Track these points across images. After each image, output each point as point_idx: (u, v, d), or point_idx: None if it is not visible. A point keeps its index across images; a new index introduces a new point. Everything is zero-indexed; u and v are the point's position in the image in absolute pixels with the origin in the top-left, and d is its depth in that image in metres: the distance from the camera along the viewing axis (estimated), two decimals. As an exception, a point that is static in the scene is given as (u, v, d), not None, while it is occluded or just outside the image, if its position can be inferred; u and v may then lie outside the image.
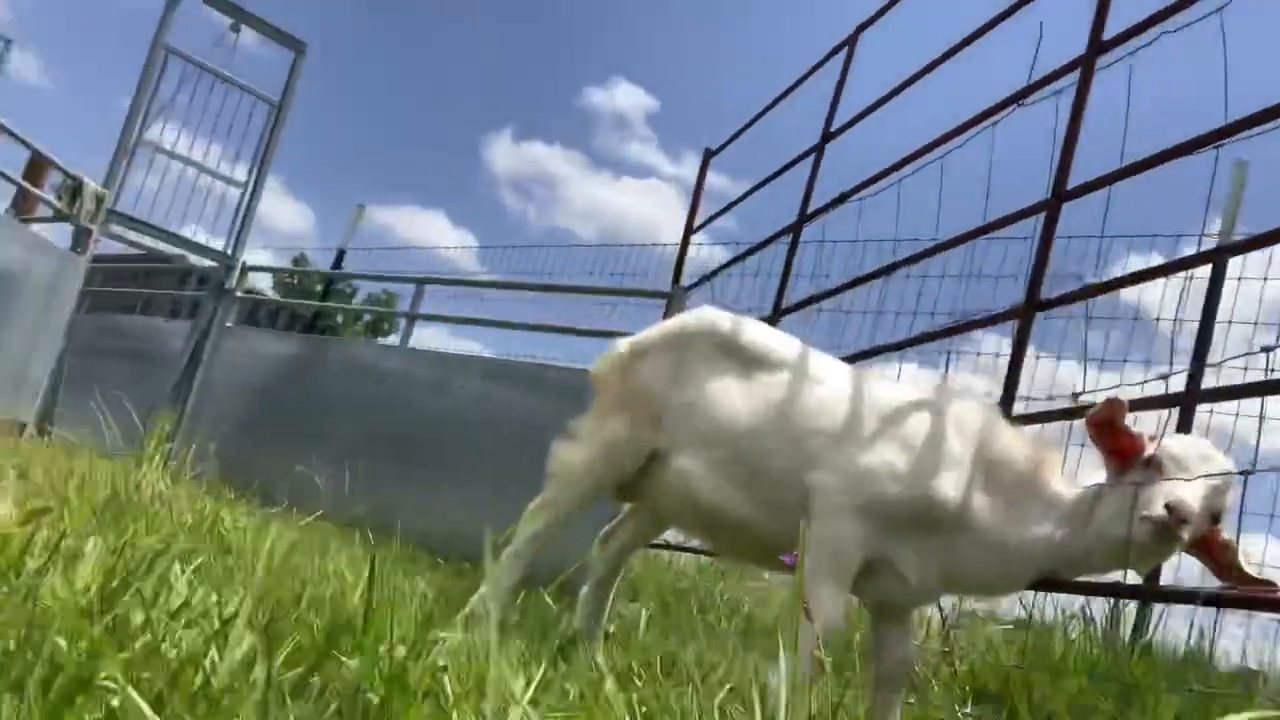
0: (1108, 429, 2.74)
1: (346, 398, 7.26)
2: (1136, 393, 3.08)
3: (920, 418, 2.95)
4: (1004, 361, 3.83)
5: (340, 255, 10.86)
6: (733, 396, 3.25)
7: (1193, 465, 2.61)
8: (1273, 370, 4.68)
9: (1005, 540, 2.80)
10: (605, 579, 3.79)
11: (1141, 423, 2.81)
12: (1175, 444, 2.69)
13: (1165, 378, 2.72)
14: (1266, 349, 2.60)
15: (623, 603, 5.27)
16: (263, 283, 22.50)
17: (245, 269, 8.45)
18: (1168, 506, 2.51)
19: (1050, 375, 5.24)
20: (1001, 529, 2.81)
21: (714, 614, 5.85)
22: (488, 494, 5.98)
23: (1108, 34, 3.26)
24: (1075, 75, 3.32)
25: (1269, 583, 2.62)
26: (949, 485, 2.80)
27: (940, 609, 3.75)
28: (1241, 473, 2.59)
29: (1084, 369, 3.44)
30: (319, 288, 13.82)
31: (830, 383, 3.18)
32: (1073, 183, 3.21)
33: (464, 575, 5.27)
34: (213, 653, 1.25)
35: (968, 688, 3.56)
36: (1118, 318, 5.57)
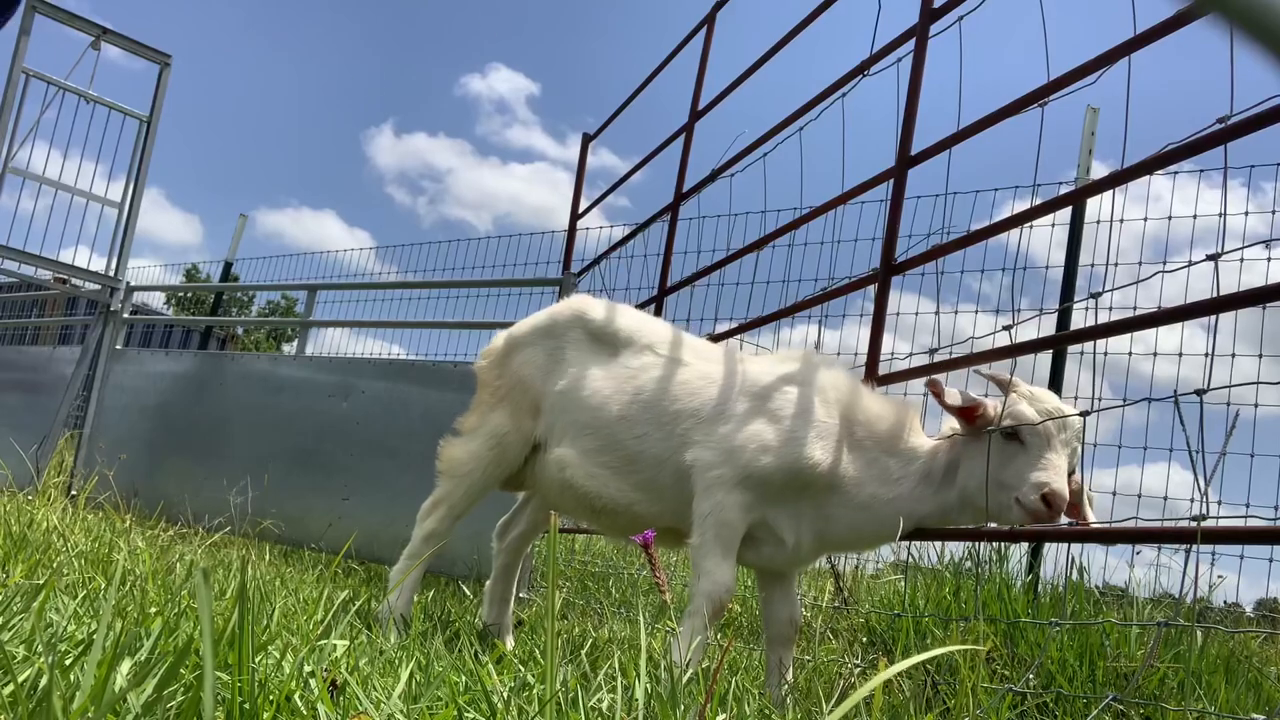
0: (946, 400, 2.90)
1: (246, 410, 7.18)
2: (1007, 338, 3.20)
3: (788, 389, 3.06)
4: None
5: (227, 267, 10.68)
6: (603, 384, 3.32)
7: (1039, 421, 2.74)
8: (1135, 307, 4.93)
9: (872, 497, 2.94)
10: (507, 568, 3.85)
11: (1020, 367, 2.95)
12: (1023, 401, 2.80)
13: (1009, 328, 2.86)
14: (1094, 295, 2.76)
15: (536, 590, 5.34)
16: (158, 299, 21.98)
17: (130, 289, 8.27)
18: (1044, 498, 2.63)
19: (951, 324, 5.49)
20: (867, 488, 2.94)
21: (630, 593, 5.96)
22: (398, 495, 5.99)
23: (937, 1, 3.38)
24: (912, 44, 3.44)
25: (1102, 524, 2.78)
26: (817, 451, 2.93)
27: (833, 566, 3.89)
28: (1082, 414, 2.74)
29: (936, 325, 3.58)
30: (211, 299, 13.57)
31: (698, 364, 3.27)
32: (917, 147, 3.34)
33: (380, 578, 5.30)
34: (75, 675, 1.29)
35: (865, 639, 3.70)
36: (1007, 268, 5.88)
